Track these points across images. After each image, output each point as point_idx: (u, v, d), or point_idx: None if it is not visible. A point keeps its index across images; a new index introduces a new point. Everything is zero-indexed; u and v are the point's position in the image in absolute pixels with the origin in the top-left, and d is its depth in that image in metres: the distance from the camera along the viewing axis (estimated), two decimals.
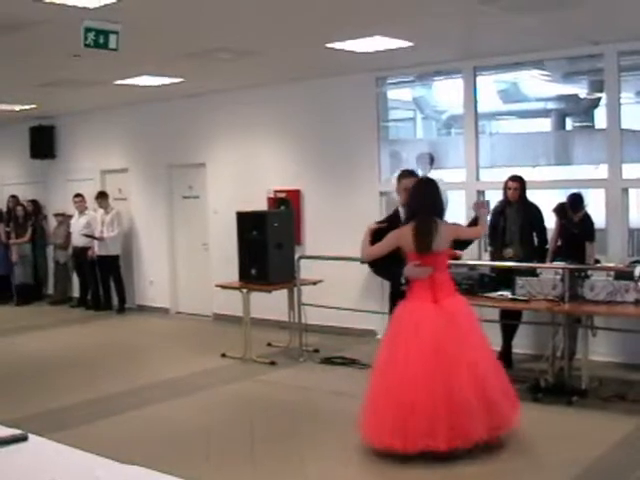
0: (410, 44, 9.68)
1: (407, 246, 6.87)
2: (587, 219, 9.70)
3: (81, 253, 15.38)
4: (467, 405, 6.38)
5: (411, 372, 6.55)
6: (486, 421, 6.44)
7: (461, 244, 7.64)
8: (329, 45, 9.60)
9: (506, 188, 9.67)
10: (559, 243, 9.82)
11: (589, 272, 8.63)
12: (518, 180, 9.65)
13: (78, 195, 15.42)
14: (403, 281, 6.99)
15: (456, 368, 6.48)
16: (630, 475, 6.28)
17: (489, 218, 7.79)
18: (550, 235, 9.87)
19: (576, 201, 9.62)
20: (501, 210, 9.67)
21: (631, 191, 10.14)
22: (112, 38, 7.99)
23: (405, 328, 6.80)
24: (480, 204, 7.75)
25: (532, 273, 8.82)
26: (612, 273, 8.55)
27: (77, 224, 15.40)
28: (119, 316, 14.82)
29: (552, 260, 9.36)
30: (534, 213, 9.74)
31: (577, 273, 8.54)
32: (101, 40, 7.90)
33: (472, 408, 6.38)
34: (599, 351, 9.38)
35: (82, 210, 15.39)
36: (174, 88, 12.52)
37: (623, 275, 8.37)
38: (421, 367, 6.54)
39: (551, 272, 8.69)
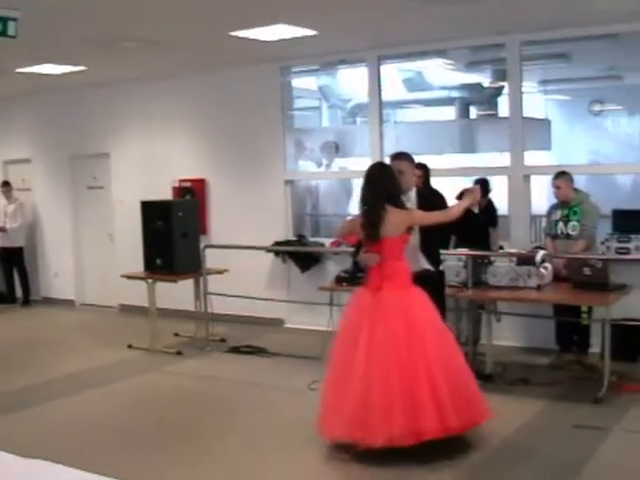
0: (314, 33, 9.66)
1: (360, 233, 6.81)
2: (490, 205, 9.84)
3: None
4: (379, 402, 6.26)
5: (344, 364, 6.54)
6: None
7: (462, 229, 7.43)
8: (233, 33, 9.53)
9: None
10: None
11: (492, 258, 8.73)
12: (421, 168, 9.68)
13: None
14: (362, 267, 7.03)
15: (380, 363, 6.32)
16: (534, 457, 6.39)
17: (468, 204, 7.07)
18: None
19: (484, 186, 9.73)
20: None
21: (533, 178, 10.30)
22: (11, 25, 7.84)
23: (346, 317, 6.91)
24: (468, 189, 7.36)
25: None
26: (514, 259, 8.67)
27: None
28: (24, 309, 14.58)
29: (456, 247, 9.43)
30: (437, 200, 9.78)
31: (480, 259, 8.65)
32: None
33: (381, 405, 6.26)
34: (503, 336, 9.51)
35: None
36: (77, 77, 12.30)
37: (525, 261, 8.49)
38: (351, 360, 6.45)
39: (454, 259, 8.76)
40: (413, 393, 6.20)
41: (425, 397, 6.19)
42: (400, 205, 6.72)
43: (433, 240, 7.28)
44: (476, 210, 7.37)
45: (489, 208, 9.80)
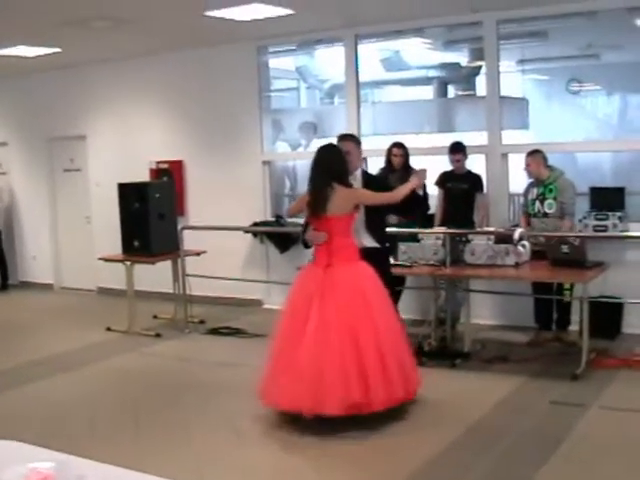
0: (290, 12, 9.61)
1: (307, 211, 7.05)
2: (471, 173, 9.81)
3: None
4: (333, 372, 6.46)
5: (294, 337, 6.68)
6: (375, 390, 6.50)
7: (403, 209, 7.62)
8: (208, 13, 9.47)
9: (390, 155, 9.71)
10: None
11: (470, 237, 8.73)
12: (402, 147, 9.71)
13: None
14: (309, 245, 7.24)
15: (334, 334, 6.52)
16: (512, 433, 6.40)
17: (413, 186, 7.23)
18: (436, 204, 9.91)
19: (455, 144, 9.71)
20: (384, 177, 9.68)
21: (511, 157, 10.28)
22: None
23: (294, 292, 7.02)
24: (416, 171, 7.59)
25: (414, 239, 8.89)
26: (492, 237, 8.67)
27: None
28: (1, 293, 14.47)
29: (441, 226, 9.43)
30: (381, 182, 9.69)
31: (458, 238, 8.65)
32: None
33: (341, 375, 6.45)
34: (481, 314, 9.55)
35: None
36: (52, 59, 12.20)
37: (503, 239, 8.49)
38: (301, 332, 6.63)
39: (432, 237, 8.77)
40: (364, 365, 6.45)
41: (375, 369, 6.47)
42: (347, 184, 6.93)
43: (377, 218, 7.50)
44: (420, 192, 7.56)
45: (472, 175, 9.77)
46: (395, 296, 7.78)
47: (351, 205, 6.88)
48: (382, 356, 6.53)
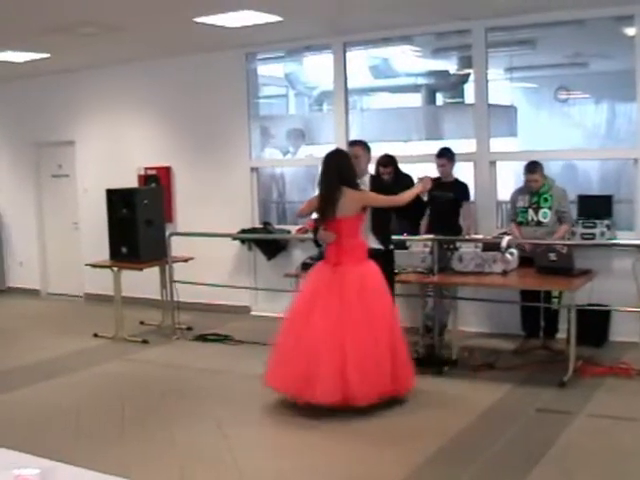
0: (279, 19, 9.61)
1: (317, 212, 7.44)
2: (458, 182, 9.77)
3: None
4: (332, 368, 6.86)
5: (298, 327, 7.15)
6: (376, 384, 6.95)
7: (406, 213, 7.92)
8: (197, 20, 9.47)
9: (378, 172, 9.48)
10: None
11: (458, 244, 8.72)
12: (389, 164, 9.51)
13: None
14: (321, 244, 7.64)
15: (335, 329, 6.94)
16: (499, 440, 6.38)
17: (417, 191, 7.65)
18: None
19: (442, 149, 9.68)
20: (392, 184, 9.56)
21: (499, 164, 10.29)
22: None
23: (304, 287, 7.61)
24: (421, 178, 7.85)
25: (402, 246, 8.87)
26: (480, 245, 8.67)
27: None
28: None
29: (428, 233, 9.39)
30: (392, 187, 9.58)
31: (446, 245, 8.65)
32: None
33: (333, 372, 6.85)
34: (469, 322, 9.54)
35: None
36: (41, 64, 12.17)
37: (491, 247, 8.50)
38: (305, 324, 7.08)
39: (420, 245, 8.77)
40: (363, 358, 6.90)
41: (360, 365, 6.89)
42: (355, 186, 7.32)
43: (382, 221, 7.79)
44: (425, 198, 7.82)
45: (458, 184, 9.73)
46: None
47: (359, 207, 7.24)
48: (378, 352, 6.98)
